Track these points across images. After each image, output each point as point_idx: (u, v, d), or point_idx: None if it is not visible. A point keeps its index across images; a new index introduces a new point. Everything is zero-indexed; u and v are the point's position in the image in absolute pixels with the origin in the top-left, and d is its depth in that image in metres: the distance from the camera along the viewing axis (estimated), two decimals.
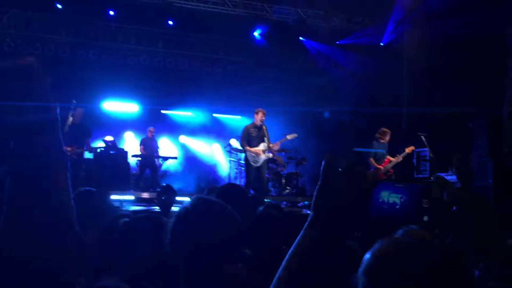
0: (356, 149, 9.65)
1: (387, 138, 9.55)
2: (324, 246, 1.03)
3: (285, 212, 2.65)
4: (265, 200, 8.49)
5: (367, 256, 1.16)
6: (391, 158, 9.46)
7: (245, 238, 1.71)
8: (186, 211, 1.67)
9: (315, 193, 1.10)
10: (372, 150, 9.48)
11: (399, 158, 9.47)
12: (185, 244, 1.61)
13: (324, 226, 1.05)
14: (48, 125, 0.96)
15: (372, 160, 9.47)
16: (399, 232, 1.29)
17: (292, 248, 1.07)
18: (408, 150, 9.60)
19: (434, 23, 10.55)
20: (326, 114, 13.60)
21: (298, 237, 1.07)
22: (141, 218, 2.25)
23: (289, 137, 9.42)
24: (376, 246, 1.17)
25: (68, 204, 0.98)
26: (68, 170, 1.00)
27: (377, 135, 9.60)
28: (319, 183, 1.10)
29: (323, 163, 1.10)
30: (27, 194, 0.92)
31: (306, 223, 1.08)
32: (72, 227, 0.98)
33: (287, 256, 1.07)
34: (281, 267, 1.06)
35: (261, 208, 2.56)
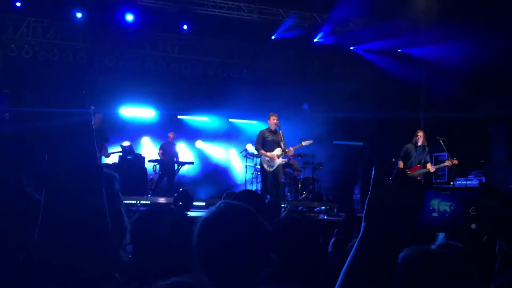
0: (335, 142, 9.44)
1: (420, 139, 9.06)
2: (380, 256, 1.00)
3: (308, 217, 2.62)
4: (282, 205, 8.47)
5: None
6: (430, 167, 9.03)
7: (271, 244, 1.68)
8: (213, 215, 1.66)
9: (366, 203, 1.07)
10: (348, 143, 9.20)
11: (432, 168, 9.11)
12: (211, 248, 1.59)
13: (379, 236, 1.02)
14: (81, 132, 0.96)
15: (400, 163, 9.12)
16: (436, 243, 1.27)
17: (348, 261, 1.04)
18: (448, 163, 9.10)
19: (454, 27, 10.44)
20: (305, 106, 13.44)
21: (354, 248, 1.04)
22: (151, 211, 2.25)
23: (304, 143, 9.35)
24: (406, 255, 1.16)
25: (104, 214, 0.97)
26: (101, 178, 0.99)
27: (414, 138, 9.18)
28: (370, 192, 1.07)
29: (373, 171, 1.07)
30: (62, 206, 0.91)
31: (360, 234, 1.05)
32: (108, 235, 0.97)
33: (344, 269, 1.04)
34: (339, 282, 1.03)
35: (284, 214, 2.54)
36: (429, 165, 9.04)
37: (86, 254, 0.93)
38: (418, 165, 9.04)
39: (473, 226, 1.26)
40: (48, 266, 0.92)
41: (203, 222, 1.66)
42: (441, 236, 2.60)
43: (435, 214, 1.27)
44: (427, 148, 9.14)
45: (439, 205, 1.27)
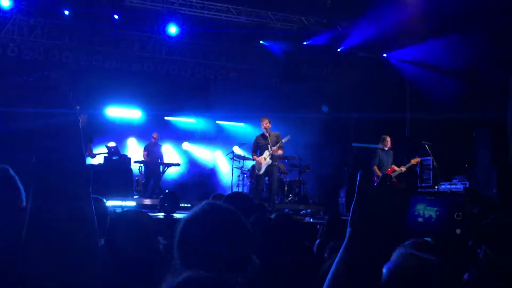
0: (354, 144, 9.63)
1: (388, 144, 9.53)
2: (365, 262, 1.01)
3: (294, 220, 2.63)
4: (269, 208, 8.48)
5: (384, 270, 1.15)
6: (396, 168, 9.40)
7: (255, 247, 1.68)
8: (196, 215, 1.64)
9: (352, 209, 1.08)
10: (369, 145, 9.48)
11: (403, 168, 9.43)
12: (193, 248, 1.58)
13: (363, 242, 1.02)
14: (69, 133, 0.95)
15: (375, 168, 9.43)
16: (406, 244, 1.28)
17: (334, 266, 1.04)
18: (413, 161, 9.58)
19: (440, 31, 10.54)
20: (325, 109, 13.52)
21: (338, 255, 1.05)
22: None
23: (284, 140, 9.42)
24: (392, 261, 1.16)
25: (90, 213, 0.96)
26: (90, 180, 0.98)
27: (381, 143, 9.59)
28: (355, 198, 1.07)
29: (358, 178, 1.08)
30: (49, 204, 0.91)
31: (345, 239, 1.05)
32: (93, 235, 0.96)
33: (329, 275, 1.04)
34: (325, 286, 1.04)
35: (272, 216, 2.54)
36: (395, 166, 9.42)
37: (72, 258, 0.93)
38: (391, 168, 9.40)
39: (457, 231, 1.27)
40: (34, 269, 0.91)
41: (186, 221, 1.65)
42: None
43: (420, 220, 1.28)
44: (391, 152, 9.59)
45: (425, 210, 1.28)
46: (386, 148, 9.52)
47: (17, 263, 0.93)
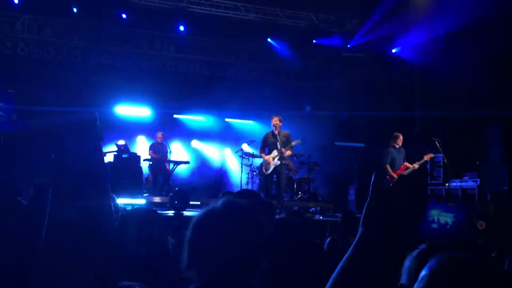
0: (336, 143, 9.53)
1: (399, 142, 9.40)
2: (376, 261, 0.98)
3: (306, 219, 2.60)
4: (278, 206, 8.46)
5: (424, 272, 1.11)
6: (408, 165, 9.28)
7: (267, 248, 1.65)
8: (215, 211, 1.62)
9: (365, 208, 1.05)
10: (352, 144, 9.39)
11: (416, 165, 9.30)
12: (206, 244, 1.56)
13: (376, 241, 1.00)
14: (87, 132, 0.95)
15: (388, 167, 9.27)
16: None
17: (342, 262, 1.02)
18: (426, 157, 9.46)
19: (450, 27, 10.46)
20: (308, 108, 13.44)
21: (349, 251, 1.02)
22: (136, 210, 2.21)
23: (293, 142, 9.35)
24: (433, 262, 1.12)
25: (108, 208, 0.95)
26: (108, 177, 0.98)
27: (392, 140, 9.47)
28: (369, 198, 1.05)
29: (373, 178, 1.05)
30: (68, 201, 0.90)
31: (356, 238, 1.03)
32: (112, 231, 0.95)
33: (337, 270, 1.02)
34: (330, 281, 1.01)
35: (283, 214, 2.52)
36: (407, 164, 9.28)
37: (92, 254, 0.92)
38: (403, 166, 9.26)
39: (481, 241, 1.23)
40: (54, 265, 0.90)
41: (200, 217, 1.63)
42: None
43: (434, 226, 1.24)
44: (403, 149, 9.46)
45: (439, 216, 1.24)
46: (398, 146, 9.38)
47: (37, 258, 0.92)
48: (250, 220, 1.62)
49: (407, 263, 1.82)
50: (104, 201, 0.98)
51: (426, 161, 9.71)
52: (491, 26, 9.31)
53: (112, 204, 1.02)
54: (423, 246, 1.77)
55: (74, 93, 0.97)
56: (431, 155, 9.48)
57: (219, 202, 1.68)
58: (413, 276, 1.15)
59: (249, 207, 1.68)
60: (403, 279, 1.81)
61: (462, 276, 1.04)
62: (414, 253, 1.77)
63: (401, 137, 9.40)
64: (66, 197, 0.93)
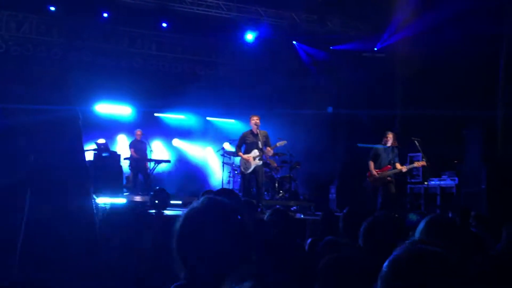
0: (359, 144, 9.46)
1: (389, 140, 9.10)
2: None
3: (290, 218, 2.61)
4: (259, 204, 8.48)
5: (385, 264, 1.17)
6: (398, 166, 9.05)
7: (253, 244, 1.67)
8: (196, 210, 1.62)
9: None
10: (375, 146, 9.19)
11: (404, 169, 9.10)
12: (193, 244, 1.56)
13: None
14: (69, 131, 0.94)
15: (371, 163, 9.15)
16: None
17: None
18: (417, 164, 9.34)
19: (430, 28, 10.60)
20: (330, 109, 13.43)
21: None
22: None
23: (278, 144, 9.36)
24: (393, 255, 1.19)
25: (89, 207, 0.95)
26: (90, 176, 0.97)
27: (384, 139, 9.23)
28: None
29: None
30: (49, 203, 0.89)
31: None
32: (93, 230, 0.94)
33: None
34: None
35: (268, 213, 2.53)
36: (398, 165, 9.07)
37: (73, 255, 0.91)
38: (388, 166, 9.07)
39: None
40: (34, 266, 0.89)
41: (186, 216, 1.63)
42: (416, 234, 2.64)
43: None
44: (396, 150, 9.18)
45: None
46: (387, 145, 9.13)
47: (17, 259, 0.91)
48: (233, 216, 1.63)
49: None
50: (85, 201, 0.97)
51: (415, 167, 9.65)
52: (472, 24, 9.44)
53: (93, 203, 1.02)
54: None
55: (57, 91, 0.96)
56: (423, 163, 9.19)
57: (200, 199, 1.69)
58: None
59: (230, 204, 1.69)
60: None
61: (418, 265, 1.13)
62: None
63: (390, 136, 9.11)
64: (46, 197, 0.92)
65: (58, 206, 0.84)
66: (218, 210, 1.64)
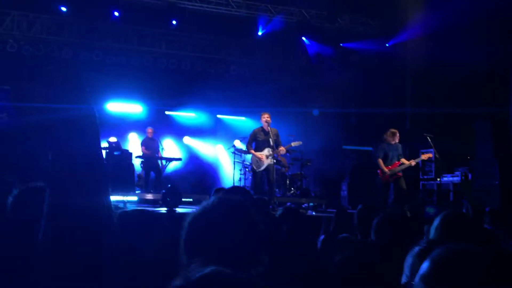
0: (344, 147, 9.46)
1: (396, 139, 9.26)
2: None
3: (302, 214, 2.61)
4: (271, 202, 8.47)
5: (426, 263, 1.16)
6: (405, 161, 9.18)
7: (264, 244, 1.65)
8: (206, 209, 1.61)
9: None
10: (360, 148, 9.28)
11: (413, 162, 9.17)
12: (201, 243, 1.55)
13: None
14: (87, 129, 0.94)
15: (380, 161, 9.21)
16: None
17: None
18: (423, 157, 9.42)
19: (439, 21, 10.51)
20: (315, 112, 13.40)
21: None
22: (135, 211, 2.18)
23: (294, 144, 9.36)
24: (434, 254, 1.16)
25: (107, 206, 0.95)
26: (107, 174, 0.97)
27: (386, 136, 9.36)
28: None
29: None
30: (67, 199, 0.89)
31: None
32: (110, 227, 0.95)
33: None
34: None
35: (280, 211, 2.52)
36: (404, 160, 9.18)
37: (91, 253, 0.91)
38: (398, 162, 9.15)
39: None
40: (52, 264, 0.89)
41: (195, 215, 1.62)
42: (431, 231, 2.62)
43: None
44: (399, 145, 9.34)
45: None
46: (393, 142, 9.23)
47: (35, 257, 0.91)
48: (244, 216, 1.61)
49: (409, 259, 1.84)
50: (104, 198, 0.97)
51: (423, 160, 9.70)
52: (483, 24, 9.35)
53: (110, 201, 1.02)
54: (422, 242, 1.79)
55: (74, 89, 0.96)
56: (430, 155, 9.39)
57: (211, 199, 1.68)
58: (416, 272, 1.20)
59: (242, 203, 1.67)
60: (405, 276, 1.83)
61: (462, 265, 1.09)
62: (416, 249, 1.78)
63: (396, 134, 9.25)
64: (65, 195, 0.92)
65: (77, 204, 0.84)
66: (229, 210, 1.62)
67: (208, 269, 1.02)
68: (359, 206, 3.57)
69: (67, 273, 0.90)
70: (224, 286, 1.01)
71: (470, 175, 9.77)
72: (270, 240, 2.07)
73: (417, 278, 1.14)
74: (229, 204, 1.64)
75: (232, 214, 1.60)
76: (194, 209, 1.69)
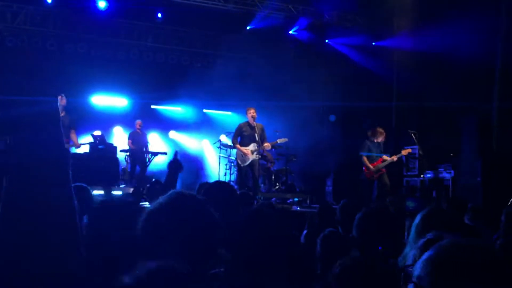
0: (361, 153, 9.58)
1: (381, 138, 9.48)
2: None
3: (277, 209, 2.62)
4: (257, 197, 8.48)
5: (428, 254, 1.17)
6: (386, 158, 9.33)
7: (223, 239, 1.64)
8: (161, 205, 1.60)
9: None
10: (375, 154, 9.44)
11: (395, 158, 9.38)
12: (156, 238, 1.53)
13: None
14: (48, 120, 0.92)
15: (365, 158, 9.36)
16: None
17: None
18: (404, 152, 9.65)
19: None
20: (332, 118, 13.43)
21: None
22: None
23: (279, 141, 9.41)
24: (436, 246, 1.17)
25: (70, 199, 0.93)
26: (69, 165, 0.95)
27: (370, 134, 9.52)
28: None
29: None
30: (26, 190, 0.87)
31: None
32: (74, 221, 0.93)
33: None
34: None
35: (254, 206, 2.53)
36: (386, 157, 9.34)
37: (50, 241, 0.90)
38: (381, 158, 9.33)
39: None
40: (7, 261, 0.87)
41: (151, 210, 1.61)
42: (412, 227, 2.64)
43: None
44: (381, 144, 9.54)
45: None
46: (376, 141, 9.44)
47: None
48: (199, 211, 1.60)
49: (413, 251, 1.85)
50: (63, 189, 0.95)
51: (406, 156, 9.94)
52: (467, 17, 9.42)
53: (72, 192, 1.00)
54: (429, 235, 1.81)
55: (36, 81, 0.94)
56: (409, 150, 9.68)
57: (164, 197, 1.66)
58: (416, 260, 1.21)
59: (196, 199, 1.66)
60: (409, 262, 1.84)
61: (463, 258, 1.10)
62: (420, 242, 1.80)
63: (383, 134, 9.49)
64: (21, 185, 0.90)
65: (35, 193, 0.83)
66: (183, 206, 1.61)
67: (154, 265, 1.01)
68: (342, 201, 3.60)
69: (23, 263, 0.88)
70: (170, 282, 1.01)
71: (453, 172, 9.88)
72: (248, 234, 2.06)
73: (417, 266, 1.15)
74: (183, 197, 1.62)
75: (187, 210, 1.59)
76: (149, 206, 1.68)
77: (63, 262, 0.92)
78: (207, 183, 4.67)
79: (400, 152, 9.67)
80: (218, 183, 4.27)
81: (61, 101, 8.46)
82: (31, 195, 0.90)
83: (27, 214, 0.89)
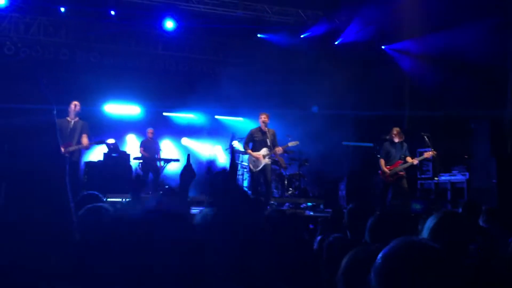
0: (344, 143, 9.41)
1: (396, 136, 9.11)
2: None
3: (288, 215, 2.61)
4: (268, 202, 8.48)
5: (379, 257, 1.19)
6: (409, 160, 9.02)
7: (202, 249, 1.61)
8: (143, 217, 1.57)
9: None
10: (361, 144, 9.21)
11: (416, 161, 9.08)
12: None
13: None
14: (44, 127, 0.93)
15: (381, 161, 9.12)
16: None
17: None
18: (426, 155, 9.20)
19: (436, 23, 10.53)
20: (315, 109, 13.37)
21: None
22: None
23: (290, 144, 9.36)
24: (387, 248, 1.20)
25: (67, 207, 0.94)
26: (66, 172, 0.96)
27: (390, 134, 9.19)
28: None
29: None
30: (24, 198, 0.89)
31: None
32: (70, 230, 0.94)
33: None
34: None
35: (265, 213, 2.53)
36: (409, 159, 9.04)
37: (47, 250, 0.91)
38: (399, 161, 9.05)
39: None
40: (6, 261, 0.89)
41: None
42: (425, 231, 2.62)
43: None
44: (405, 144, 9.19)
45: None
46: (396, 140, 9.13)
47: None
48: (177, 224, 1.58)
49: None
50: (60, 197, 0.96)
51: (427, 158, 9.49)
52: (480, 22, 9.37)
53: (70, 200, 1.01)
54: None
55: (34, 88, 0.95)
56: (433, 153, 9.10)
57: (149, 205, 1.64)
58: None
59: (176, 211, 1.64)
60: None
61: (412, 258, 1.14)
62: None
63: (395, 131, 9.13)
64: (19, 194, 0.91)
65: (31, 203, 0.84)
66: (162, 217, 1.59)
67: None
68: (349, 206, 3.58)
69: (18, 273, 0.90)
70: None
71: (467, 174, 9.78)
72: (261, 240, 2.06)
73: (372, 271, 1.18)
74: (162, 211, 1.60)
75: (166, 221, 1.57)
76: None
77: (58, 267, 0.93)
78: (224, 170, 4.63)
79: (423, 155, 9.34)
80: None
81: (75, 107, 8.54)
82: (27, 202, 0.91)
83: (24, 220, 0.91)
